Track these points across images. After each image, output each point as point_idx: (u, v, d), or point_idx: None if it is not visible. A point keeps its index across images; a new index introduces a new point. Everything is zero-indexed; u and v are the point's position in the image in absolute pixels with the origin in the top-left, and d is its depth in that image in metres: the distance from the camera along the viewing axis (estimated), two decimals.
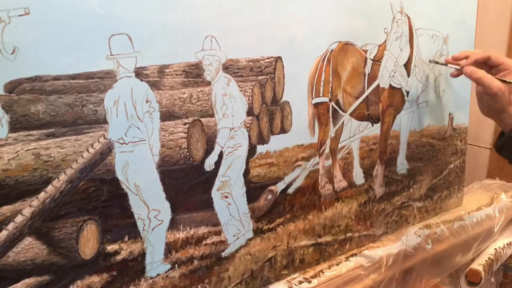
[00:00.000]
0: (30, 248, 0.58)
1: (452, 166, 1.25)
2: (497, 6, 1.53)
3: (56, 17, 0.55)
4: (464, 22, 1.15)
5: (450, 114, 1.20)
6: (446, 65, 1.04)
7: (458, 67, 0.99)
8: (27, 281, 0.58)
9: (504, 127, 0.96)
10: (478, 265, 1.23)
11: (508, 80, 0.92)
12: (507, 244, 1.34)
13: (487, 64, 0.97)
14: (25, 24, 0.53)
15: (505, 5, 1.53)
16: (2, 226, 0.55)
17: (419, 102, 1.10)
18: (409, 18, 1.00)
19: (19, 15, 0.53)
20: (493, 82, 0.92)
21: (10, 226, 0.56)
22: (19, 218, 0.56)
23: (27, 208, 0.57)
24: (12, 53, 0.53)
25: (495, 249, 1.30)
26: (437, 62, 1.07)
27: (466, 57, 1.00)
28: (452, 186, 1.27)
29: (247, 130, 0.78)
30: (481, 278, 1.21)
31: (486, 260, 1.25)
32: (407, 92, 1.05)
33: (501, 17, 1.53)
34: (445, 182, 1.24)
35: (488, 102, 0.95)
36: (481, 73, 0.93)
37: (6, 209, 0.56)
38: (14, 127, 0.55)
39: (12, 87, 0.54)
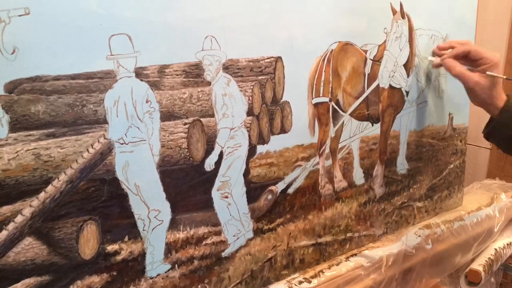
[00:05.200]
0: (30, 248, 0.58)
1: (452, 166, 1.25)
2: (497, 6, 1.53)
3: (56, 17, 0.55)
4: (464, 22, 1.15)
5: (450, 114, 1.20)
6: (427, 58, 1.06)
7: (439, 60, 1.02)
8: (27, 281, 0.58)
9: (492, 116, 1.00)
10: (478, 265, 1.23)
11: (489, 73, 0.94)
12: (507, 244, 1.34)
13: (468, 58, 0.98)
14: (25, 24, 0.53)
15: (505, 5, 1.53)
16: (2, 226, 0.55)
17: (418, 102, 1.10)
18: (409, 18, 1.00)
19: (19, 15, 0.53)
20: (470, 78, 0.95)
21: (10, 226, 0.56)
22: (19, 218, 0.56)
23: (27, 208, 0.57)
24: (12, 53, 0.53)
25: (495, 249, 1.30)
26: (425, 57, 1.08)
27: (451, 47, 1.02)
28: (452, 186, 1.27)
29: (247, 130, 0.78)
30: (481, 278, 1.21)
31: (486, 260, 1.25)
32: (407, 92, 1.05)
33: (501, 17, 1.54)
34: (445, 182, 1.24)
35: (470, 96, 1.00)
36: (459, 69, 0.96)
37: (6, 209, 0.55)
38: (14, 127, 0.55)
39: (12, 87, 0.54)
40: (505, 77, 0.96)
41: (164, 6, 0.64)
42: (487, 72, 0.94)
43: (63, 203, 0.59)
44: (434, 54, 1.07)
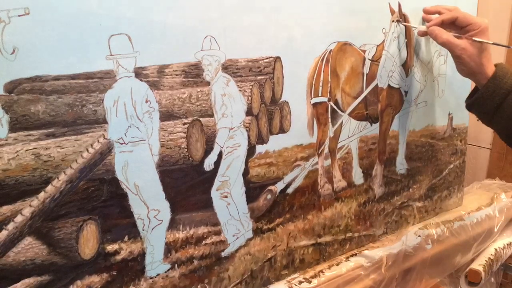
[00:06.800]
0: (30, 248, 0.58)
1: (452, 166, 1.25)
2: (497, 6, 1.53)
3: (56, 17, 0.55)
4: None
5: (449, 114, 1.20)
6: (415, 28, 1.01)
7: (424, 28, 0.96)
8: (27, 281, 0.58)
9: (479, 86, 0.95)
10: (478, 265, 1.23)
11: (475, 39, 0.89)
12: (507, 244, 1.34)
13: (455, 25, 0.94)
14: (25, 24, 0.53)
15: (505, 5, 1.53)
16: (2, 226, 0.56)
17: (418, 102, 1.10)
18: (407, 18, 1.00)
19: (19, 15, 0.53)
20: (457, 45, 0.90)
21: (10, 226, 0.56)
22: (19, 218, 0.56)
23: (27, 208, 0.57)
24: (12, 53, 0.53)
25: (495, 249, 1.30)
26: (405, 24, 1.01)
27: (438, 12, 0.97)
28: (452, 186, 1.27)
29: (246, 130, 0.78)
30: (481, 278, 1.21)
31: (486, 260, 1.25)
32: (406, 92, 1.06)
33: (501, 17, 1.54)
34: (445, 182, 1.24)
35: (458, 65, 0.95)
36: (446, 36, 0.91)
37: (6, 209, 0.56)
38: (14, 127, 0.55)
39: (12, 87, 0.54)
40: (491, 42, 0.90)
41: (163, 6, 0.64)
42: (474, 38, 0.89)
43: (63, 203, 0.60)
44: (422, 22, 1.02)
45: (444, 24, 0.94)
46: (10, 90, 0.54)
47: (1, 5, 0.52)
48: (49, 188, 0.58)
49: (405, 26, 1.00)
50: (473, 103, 0.95)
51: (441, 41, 0.92)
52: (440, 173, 1.22)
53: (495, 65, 0.93)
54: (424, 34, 0.99)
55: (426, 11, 1.00)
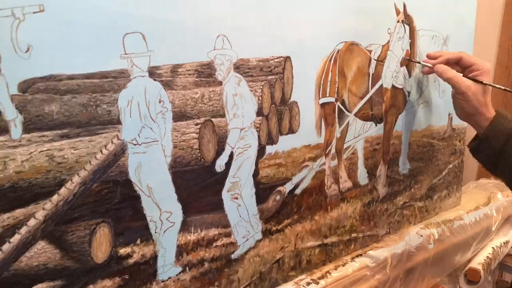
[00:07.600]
0: (42, 253, 0.56)
1: (451, 166, 1.26)
2: (488, 8, 1.55)
3: (70, 14, 0.54)
4: (464, 22, 1.17)
5: (449, 115, 1.21)
6: (419, 62, 1.02)
7: (430, 65, 0.97)
8: (40, 286, 0.57)
9: (479, 130, 0.94)
10: (477, 264, 1.25)
11: (479, 80, 0.91)
12: (504, 242, 1.36)
13: (459, 65, 0.96)
14: (40, 21, 0.52)
15: (497, 5, 1.55)
16: (15, 230, 0.54)
17: (419, 103, 1.11)
18: (411, 19, 1.00)
19: (34, 12, 0.51)
20: (462, 82, 0.91)
21: (23, 230, 0.54)
22: (32, 222, 0.55)
23: (40, 211, 0.55)
24: (26, 52, 0.51)
25: (493, 248, 1.31)
26: (410, 60, 1.03)
27: (441, 56, 0.98)
28: (451, 186, 1.28)
29: (257, 131, 0.77)
30: (480, 277, 1.22)
31: (484, 259, 1.26)
32: (409, 93, 1.06)
33: (493, 18, 1.56)
34: (444, 182, 1.25)
35: (460, 103, 0.95)
36: (451, 73, 0.93)
37: (19, 212, 0.54)
38: (27, 127, 0.53)
39: (26, 86, 0.52)
40: (503, 87, 0.92)
41: (177, 5, 0.63)
42: (484, 81, 0.90)
43: (76, 206, 0.58)
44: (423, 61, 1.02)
45: (449, 63, 0.95)
46: (24, 90, 0.52)
47: (16, 1, 0.50)
48: (63, 190, 0.56)
49: (411, 61, 1.01)
50: (478, 145, 0.93)
51: (446, 77, 0.93)
52: (440, 173, 1.23)
53: (496, 110, 0.92)
54: (429, 72, 1.00)
55: (429, 56, 0.99)
